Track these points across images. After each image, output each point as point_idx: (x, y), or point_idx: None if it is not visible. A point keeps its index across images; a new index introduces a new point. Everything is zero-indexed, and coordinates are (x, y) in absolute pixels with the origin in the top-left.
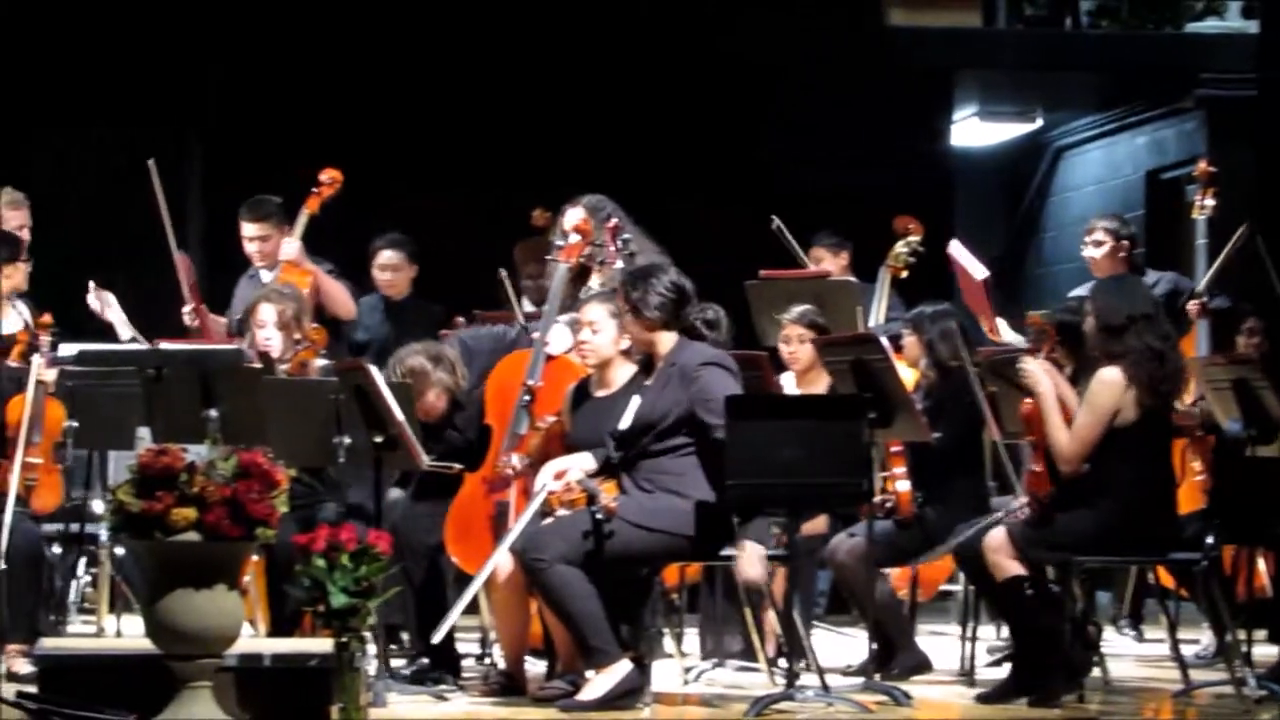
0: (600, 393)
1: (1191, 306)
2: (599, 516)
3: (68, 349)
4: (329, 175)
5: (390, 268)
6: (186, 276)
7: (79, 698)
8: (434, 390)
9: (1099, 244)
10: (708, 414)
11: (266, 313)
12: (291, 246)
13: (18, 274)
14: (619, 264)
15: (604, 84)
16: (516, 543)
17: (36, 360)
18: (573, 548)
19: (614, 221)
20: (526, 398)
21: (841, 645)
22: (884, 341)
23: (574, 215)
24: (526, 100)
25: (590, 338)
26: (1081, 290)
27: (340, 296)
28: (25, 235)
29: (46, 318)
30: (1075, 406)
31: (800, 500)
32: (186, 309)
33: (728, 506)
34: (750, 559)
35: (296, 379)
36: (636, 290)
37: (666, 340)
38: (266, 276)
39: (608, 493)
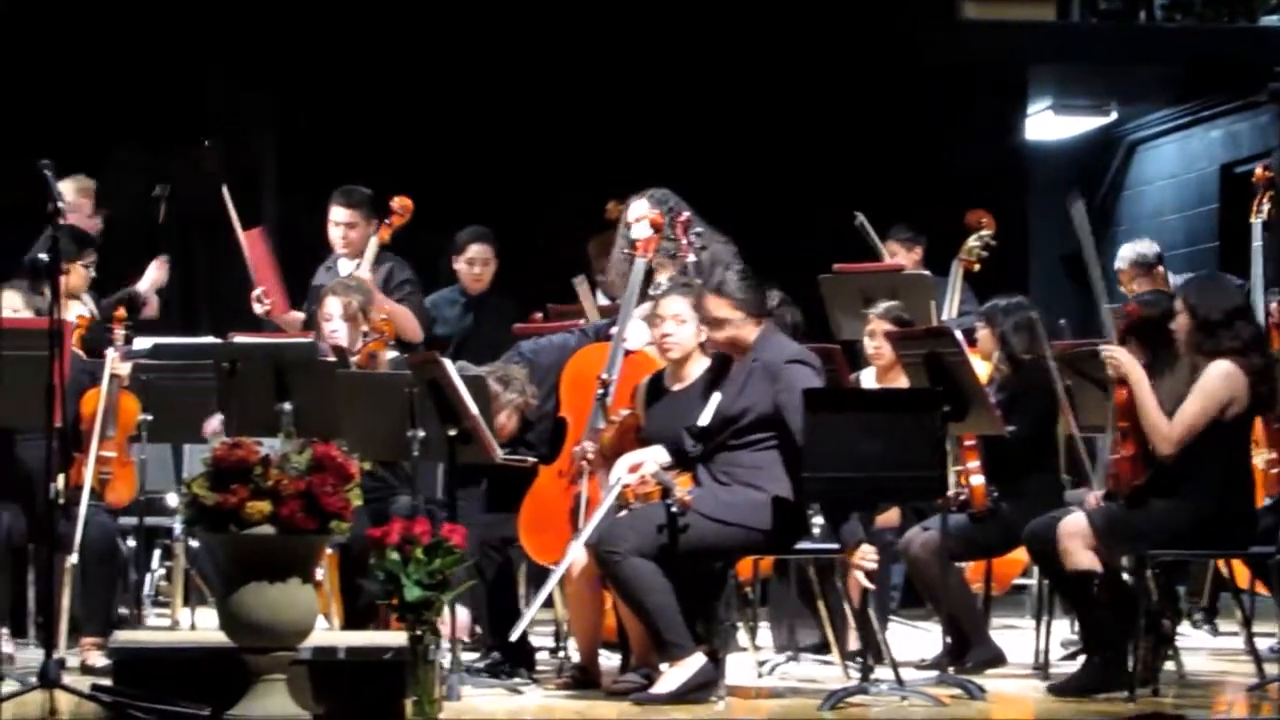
0: (675, 386)
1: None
2: (674, 510)
3: (142, 343)
4: (400, 204)
5: (480, 261)
6: (256, 255)
7: (153, 691)
8: (504, 412)
9: None
10: (792, 415)
11: (333, 306)
12: (367, 273)
13: (83, 270)
14: (691, 257)
15: (676, 79)
16: (591, 536)
17: (110, 354)
18: (647, 541)
19: (685, 215)
20: (601, 392)
21: (915, 639)
22: (958, 335)
23: (639, 208)
24: (593, 94)
25: (674, 330)
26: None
27: (408, 325)
28: (97, 223)
29: (120, 311)
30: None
31: (878, 493)
32: (256, 292)
33: (803, 500)
34: (867, 560)
35: (371, 372)
36: (715, 276)
37: (752, 332)
38: (345, 267)
39: (682, 486)
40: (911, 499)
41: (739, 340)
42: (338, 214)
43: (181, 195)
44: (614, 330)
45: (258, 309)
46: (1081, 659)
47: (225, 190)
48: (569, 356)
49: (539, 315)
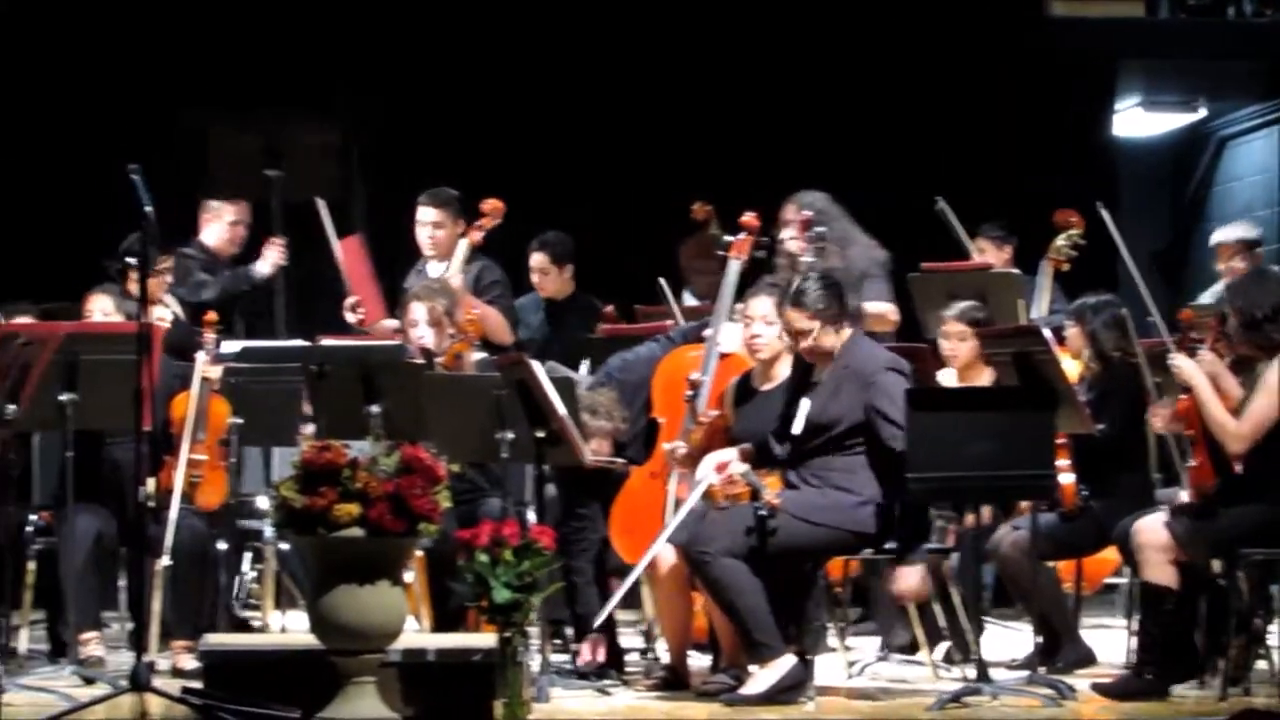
0: (764, 387)
1: None
2: (762, 513)
3: (230, 346)
4: (490, 205)
5: (538, 270)
6: (351, 264)
7: (244, 693)
8: (594, 440)
9: None
10: (885, 424)
11: (418, 311)
12: (454, 281)
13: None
14: (807, 258)
15: (763, 77)
16: (679, 536)
17: (200, 357)
18: (737, 541)
19: (805, 214)
20: (691, 393)
21: (1007, 639)
22: (1046, 333)
23: (787, 210)
24: (679, 94)
25: (762, 330)
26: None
27: (498, 328)
28: (241, 232)
29: (211, 315)
30: (1237, 395)
31: (986, 493)
32: (349, 301)
33: (905, 501)
34: (910, 578)
35: (458, 375)
36: (810, 300)
37: (835, 339)
38: (434, 270)
39: (771, 487)
40: (1020, 498)
41: (820, 348)
42: (425, 214)
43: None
44: (707, 332)
45: (351, 319)
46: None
47: (322, 204)
48: (656, 367)
49: (610, 309)
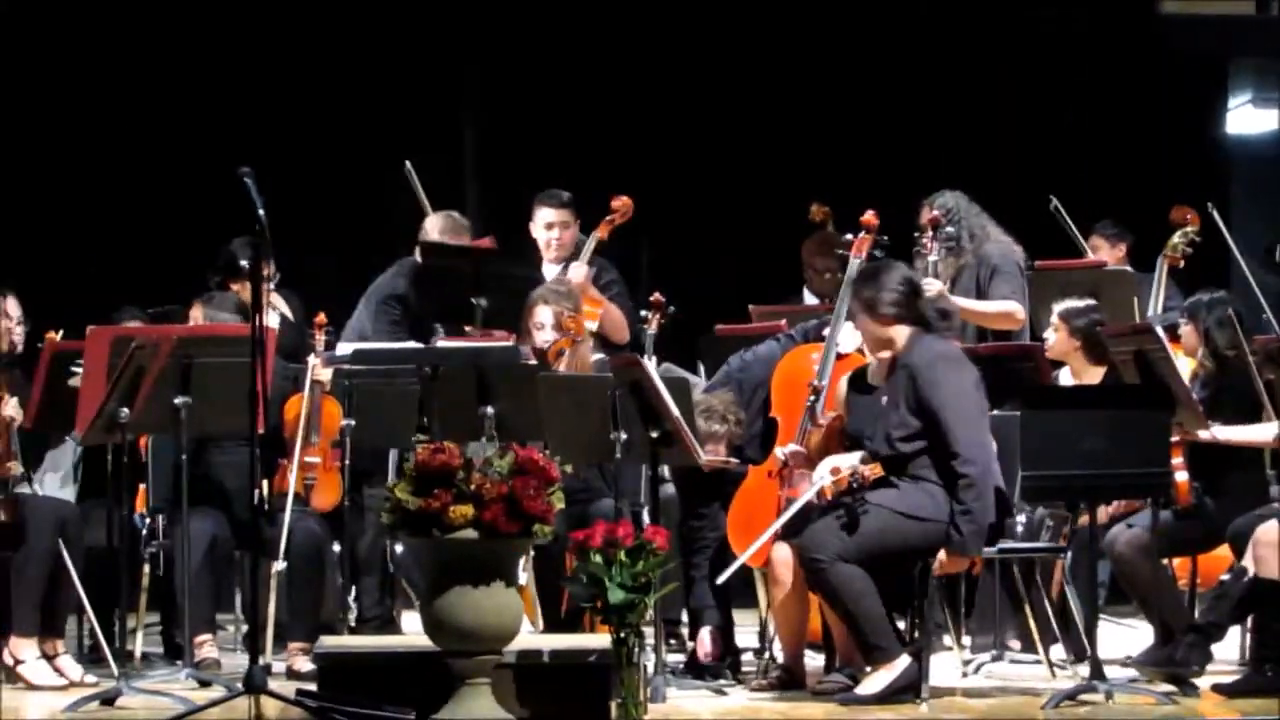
0: (876, 383)
1: None
2: (854, 484)
3: (343, 348)
4: (621, 202)
5: None
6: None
7: (359, 695)
8: (710, 446)
9: None
10: (941, 414)
11: (544, 315)
12: (579, 272)
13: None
14: (933, 256)
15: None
16: (794, 539)
17: (312, 360)
18: (851, 545)
19: (934, 214)
20: (812, 399)
21: (1121, 637)
22: (1159, 331)
23: (923, 214)
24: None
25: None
26: None
27: (619, 325)
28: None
29: (321, 317)
30: None
31: (1101, 490)
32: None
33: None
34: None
35: (573, 375)
36: (868, 289)
37: (901, 336)
38: (550, 271)
39: (873, 473)
40: (1136, 496)
41: (892, 345)
42: (546, 215)
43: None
44: (826, 331)
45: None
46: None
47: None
48: (775, 365)
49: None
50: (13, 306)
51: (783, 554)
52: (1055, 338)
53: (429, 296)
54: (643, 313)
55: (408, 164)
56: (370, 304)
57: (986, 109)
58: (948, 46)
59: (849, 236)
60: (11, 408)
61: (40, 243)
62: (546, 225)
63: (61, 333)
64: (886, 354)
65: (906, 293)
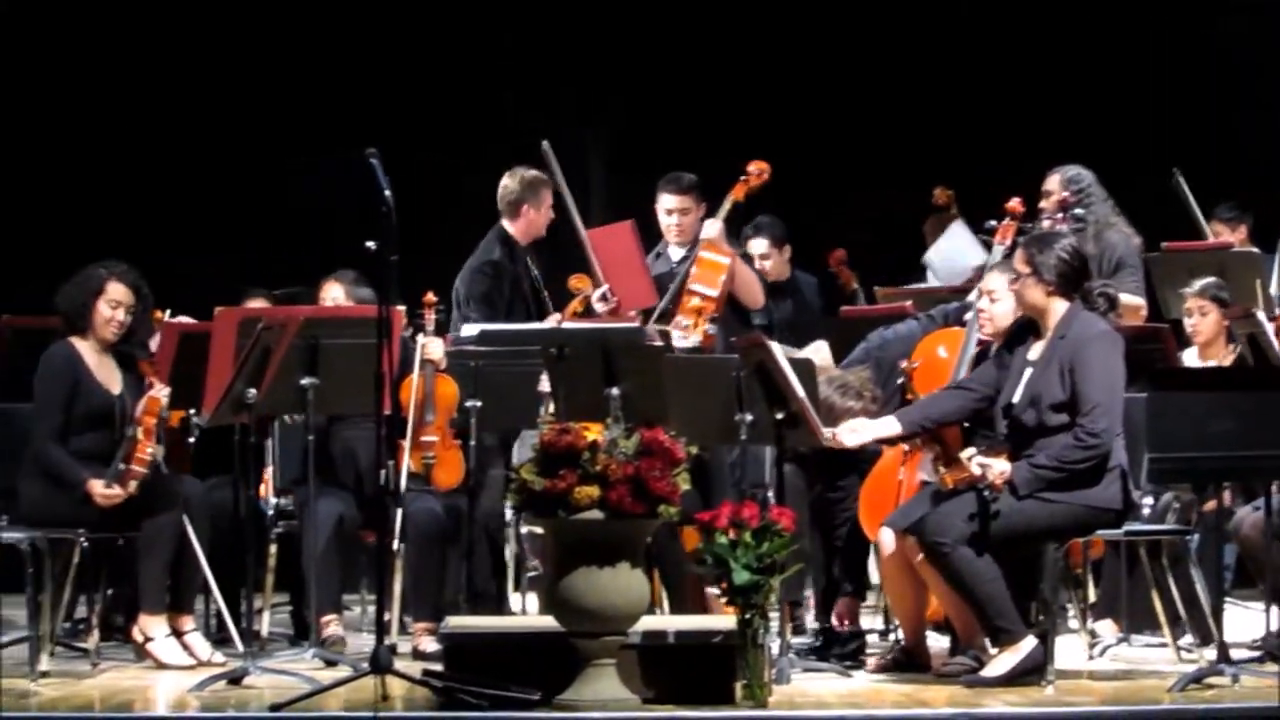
0: (1005, 353)
1: None
2: (987, 495)
3: (468, 329)
4: (757, 167)
5: (759, 255)
6: (610, 251)
7: (484, 675)
8: (845, 421)
9: None
10: (1088, 391)
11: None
12: (714, 226)
13: None
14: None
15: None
16: (900, 521)
17: (421, 339)
18: (974, 528)
19: (1065, 194)
20: (903, 379)
21: (1248, 620)
22: (1260, 316)
23: (1050, 181)
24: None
25: (988, 306)
26: None
27: (753, 285)
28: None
29: (430, 296)
30: None
31: (1230, 473)
32: (599, 291)
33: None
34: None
35: (698, 357)
36: (1040, 253)
37: (1058, 309)
38: (675, 255)
39: (1000, 468)
40: (1264, 479)
41: (1046, 316)
42: (669, 201)
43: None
44: (968, 316)
45: (600, 309)
46: None
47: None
48: (915, 346)
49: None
50: (120, 291)
51: (888, 539)
52: (1206, 320)
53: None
54: (991, 223)
55: (545, 143)
56: (464, 275)
57: (1103, 87)
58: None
59: (993, 223)
60: (162, 392)
61: (159, 224)
62: (667, 211)
63: (169, 312)
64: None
65: (1075, 266)
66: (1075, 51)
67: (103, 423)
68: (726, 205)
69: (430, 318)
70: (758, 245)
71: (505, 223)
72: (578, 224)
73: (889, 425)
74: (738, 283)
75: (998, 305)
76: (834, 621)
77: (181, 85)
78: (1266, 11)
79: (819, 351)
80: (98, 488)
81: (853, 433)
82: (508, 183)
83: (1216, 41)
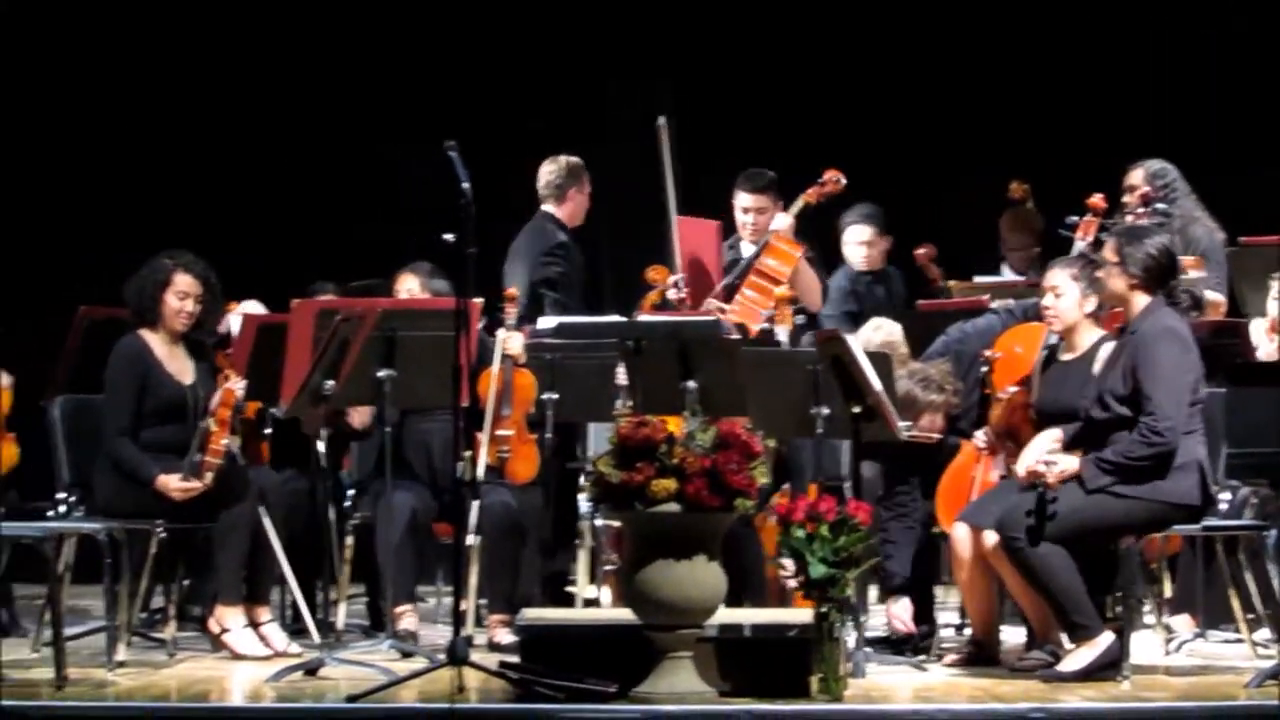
0: (1066, 356)
1: None
2: (1045, 493)
3: (546, 321)
4: (833, 175)
5: (863, 243)
6: (692, 242)
7: (560, 668)
8: (927, 416)
9: None
10: (1150, 388)
11: None
12: (784, 220)
13: None
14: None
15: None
16: (974, 517)
17: (501, 334)
18: (1050, 525)
19: (1147, 189)
20: (985, 368)
21: None
22: None
23: (1134, 175)
24: (998, 71)
25: (1054, 302)
26: None
27: (813, 286)
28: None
29: (512, 290)
30: None
31: None
32: (672, 279)
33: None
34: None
35: (775, 350)
36: (1129, 245)
37: (1139, 302)
38: (747, 250)
39: (1072, 466)
40: None
41: (1128, 307)
42: (743, 200)
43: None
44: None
45: (670, 296)
46: None
47: (662, 122)
48: (994, 340)
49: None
50: (187, 282)
51: (961, 533)
52: None
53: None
54: (1071, 218)
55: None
56: (526, 260)
57: (1179, 80)
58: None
59: (1074, 218)
60: (238, 384)
61: (233, 215)
62: (744, 209)
63: (242, 304)
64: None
65: (1163, 263)
66: (1156, 45)
67: (176, 414)
68: (798, 204)
69: (511, 311)
70: (862, 231)
71: (551, 208)
72: (671, 208)
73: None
74: (800, 282)
75: (1063, 300)
76: (896, 625)
77: (257, 76)
78: None
79: (880, 329)
80: (172, 483)
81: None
82: (551, 168)
83: None
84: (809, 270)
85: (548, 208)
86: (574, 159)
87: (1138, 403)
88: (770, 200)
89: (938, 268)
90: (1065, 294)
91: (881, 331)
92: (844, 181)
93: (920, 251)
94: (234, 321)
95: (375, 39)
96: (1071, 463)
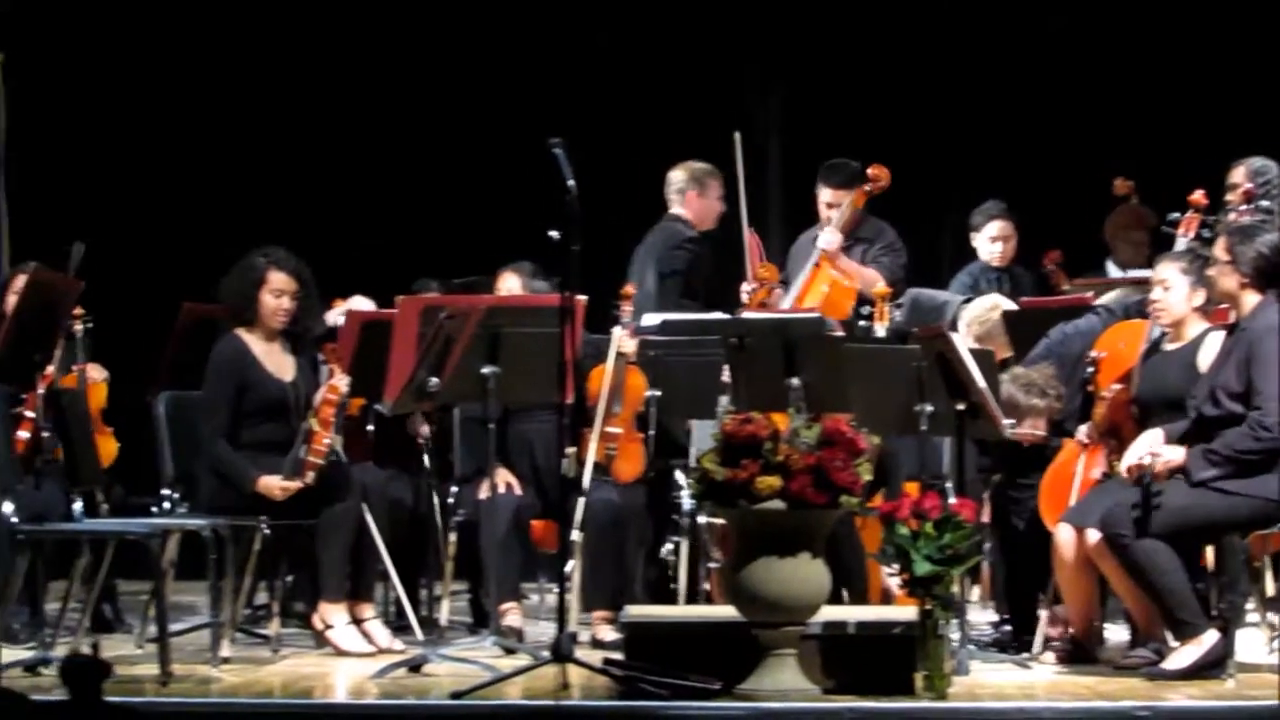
0: (1169, 346)
1: None
2: (1150, 485)
3: (651, 319)
4: (876, 171)
5: (1002, 238)
6: (754, 256)
7: (664, 664)
8: (1029, 421)
9: None
10: (1260, 383)
11: None
12: (830, 239)
13: None
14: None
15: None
16: (1075, 516)
17: (616, 331)
18: (1155, 520)
19: (1249, 187)
20: (1090, 369)
21: None
22: None
23: (1236, 173)
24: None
25: (1161, 295)
26: None
27: (868, 279)
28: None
29: (628, 288)
30: None
31: None
32: (747, 286)
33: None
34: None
35: (879, 347)
36: (1241, 244)
37: (1249, 300)
38: (825, 239)
39: (1178, 450)
40: None
41: (1238, 305)
42: (825, 194)
43: None
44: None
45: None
46: None
47: (737, 136)
48: (1096, 340)
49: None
50: (282, 279)
51: (1065, 534)
52: None
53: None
54: (1174, 215)
55: (737, 135)
56: (651, 256)
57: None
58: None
59: (1176, 215)
60: (342, 381)
61: (335, 212)
62: (826, 204)
63: (349, 300)
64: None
65: (1274, 261)
66: (1259, 41)
67: (277, 412)
68: (845, 213)
69: (627, 310)
70: (1002, 227)
71: (679, 210)
72: (744, 221)
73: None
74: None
75: (1171, 294)
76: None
77: (363, 73)
78: None
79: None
80: (274, 483)
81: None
82: (678, 173)
83: None
84: (858, 273)
85: (674, 210)
86: (699, 165)
87: (1250, 399)
88: (852, 192)
89: (1064, 272)
90: (1174, 287)
91: (998, 310)
92: (888, 179)
93: (1049, 255)
94: (336, 317)
95: (485, 36)
96: (1178, 454)
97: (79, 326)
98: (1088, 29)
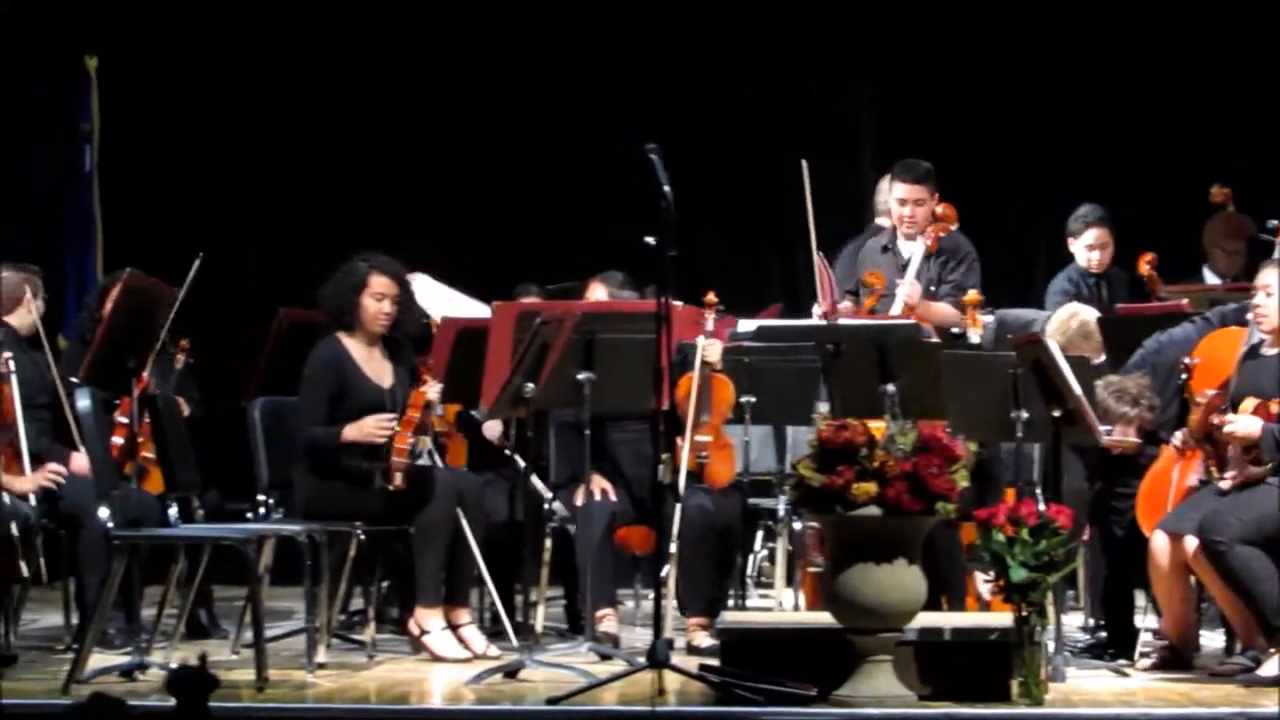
0: (1268, 351)
1: None
2: (1222, 487)
3: (746, 325)
4: (945, 210)
5: (1099, 246)
6: (824, 280)
7: (760, 671)
8: (1119, 428)
9: None
10: None
11: None
12: (910, 291)
13: None
14: None
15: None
16: (1171, 523)
17: (702, 340)
18: (1251, 526)
19: None
20: (1184, 376)
21: None
22: None
23: None
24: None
25: (1264, 301)
26: None
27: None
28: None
29: (710, 296)
30: None
31: None
32: (817, 310)
33: None
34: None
35: (975, 353)
36: None
37: None
38: (906, 250)
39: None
40: None
41: None
42: (899, 191)
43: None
44: (1249, 316)
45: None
46: None
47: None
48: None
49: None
50: (383, 283)
51: (1160, 541)
52: None
53: None
54: (1273, 222)
55: (804, 163)
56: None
57: None
58: None
59: (1274, 222)
60: (432, 389)
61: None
62: (900, 201)
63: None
64: None
65: None
66: None
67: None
68: (918, 261)
69: (710, 317)
70: (1099, 235)
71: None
72: (813, 245)
73: None
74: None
75: (1274, 299)
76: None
77: (462, 80)
78: None
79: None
80: (367, 423)
81: None
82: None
83: None
84: (941, 320)
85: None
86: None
87: None
88: (927, 191)
89: (1159, 277)
90: (1276, 293)
91: (1077, 319)
92: (955, 218)
93: (1144, 259)
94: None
95: (589, 45)
96: (1253, 425)
97: (180, 357)
98: (1197, 30)
